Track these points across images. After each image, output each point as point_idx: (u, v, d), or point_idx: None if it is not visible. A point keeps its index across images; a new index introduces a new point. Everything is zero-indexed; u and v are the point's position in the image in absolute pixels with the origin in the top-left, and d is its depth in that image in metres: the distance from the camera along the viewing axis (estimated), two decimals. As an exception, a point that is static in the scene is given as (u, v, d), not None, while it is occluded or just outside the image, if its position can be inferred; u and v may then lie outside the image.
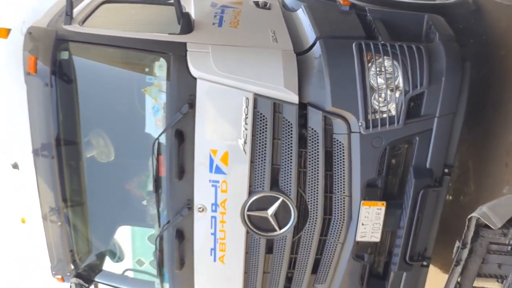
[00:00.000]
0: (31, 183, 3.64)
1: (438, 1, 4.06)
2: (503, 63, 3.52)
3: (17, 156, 3.72)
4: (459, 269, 1.84)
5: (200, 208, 3.35)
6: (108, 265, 4.22)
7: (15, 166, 3.78)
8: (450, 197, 3.83)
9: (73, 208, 3.75)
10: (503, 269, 1.97)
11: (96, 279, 4.08)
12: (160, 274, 3.76)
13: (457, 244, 1.85)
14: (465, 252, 1.83)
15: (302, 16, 3.62)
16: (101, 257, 4.13)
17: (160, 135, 3.23)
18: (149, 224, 3.77)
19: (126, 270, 4.17)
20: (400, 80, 3.08)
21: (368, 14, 3.57)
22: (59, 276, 3.93)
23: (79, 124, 3.55)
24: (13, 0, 4.19)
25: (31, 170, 3.56)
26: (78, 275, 3.95)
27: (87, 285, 3.98)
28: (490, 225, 1.65)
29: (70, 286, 3.98)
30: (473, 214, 1.76)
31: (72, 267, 3.90)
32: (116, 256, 4.29)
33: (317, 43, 3.19)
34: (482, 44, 3.67)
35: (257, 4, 4.02)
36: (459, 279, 1.92)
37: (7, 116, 3.69)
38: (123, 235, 4.32)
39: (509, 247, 1.58)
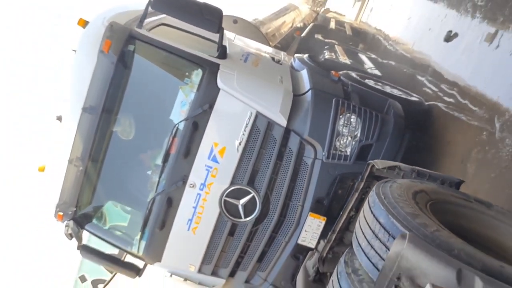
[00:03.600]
0: (67, 135, 4.67)
1: (402, 96, 5.42)
2: (434, 143, 4.84)
3: (63, 111, 4.78)
4: (356, 195, 2.88)
5: (191, 184, 4.41)
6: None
7: (59, 118, 4.84)
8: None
9: (93, 162, 4.74)
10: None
11: (86, 227, 4.99)
12: (142, 232, 4.72)
13: (359, 180, 2.94)
14: (361, 184, 2.89)
15: (304, 74, 4.93)
16: (95, 211, 5.06)
17: (181, 121, 4.35)
18: (147, 191, 4.77)
19: (112, 226, 5.11)
20: (358, 132, 4.32)
21: (349, 87, 4.88)
22: (61, 213, 4.82)
23: (121, 102, 4.64)
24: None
25: (72, 123, 4.60)
26: (74, 219, 4.88)
27: (79, 229, 4.88)
28: (376, 167, 2.76)
29: (65, 226, 4.89)
30: (370, 161, 2.87)
31: (74, 209, 4.83)
32: (102, 220, 5.22)
33: (309, 91, 4.47)
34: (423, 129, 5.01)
35: (273, 58, 5.36)
36: (353, 209, 2.96)
37: (68, 82, 4.76)
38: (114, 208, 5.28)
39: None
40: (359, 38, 11.92)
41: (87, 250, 5.00)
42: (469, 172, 3.89)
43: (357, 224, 2.19)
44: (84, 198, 4.89)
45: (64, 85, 4.81)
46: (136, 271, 5.05)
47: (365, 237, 2.04)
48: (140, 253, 4.81)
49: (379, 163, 2.77)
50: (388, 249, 1.88)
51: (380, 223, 1.95)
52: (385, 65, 8.04)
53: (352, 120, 4.35)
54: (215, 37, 4.75)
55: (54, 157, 4.92)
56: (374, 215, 2.01)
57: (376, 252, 1.94)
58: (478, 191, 3.54)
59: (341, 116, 4.34)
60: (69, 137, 4.60)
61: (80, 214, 4.92)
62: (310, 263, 3.31)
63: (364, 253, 2.02)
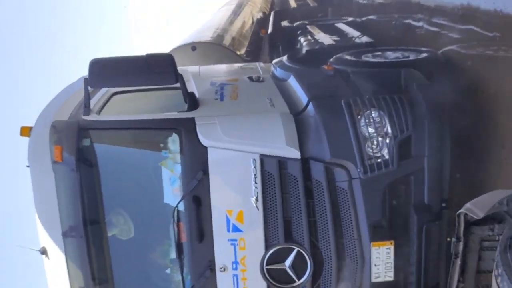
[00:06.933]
0: (59, 267, 3.88)
1: (412, 57, 4.52)
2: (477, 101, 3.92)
3: (45, 242, 3.97)
4: (458, 261, 2.08)
5: (221, 268, 3.58)
6: None
7: (43, 251, 4.02)
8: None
9: (101, 286, 3.93)
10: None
11: None
12: None
13: (453, 239, 2.11)
14: (460, 245, 2.07)
15: (294, 83, 4.07)
16: None
17: (179, 203, 3.54)
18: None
19: None
20: (388, 127, 3.46)
21: (351, 76, 4.01)
22: None
23: (102, 204, 3.84)
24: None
25: (59, 253, 3.81)
26: None
27: None
28: (474, 216, 1.92)
29: None
30: (460, 210, 2.04)
31: None
32: None
33: (310, 104, 3.60)
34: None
35: (251, 78, 4.50)
36: (461, 278, 2.15)
37: (36, 206, 3.96)
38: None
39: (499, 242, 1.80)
40: (325, 4, 11.01)
41: None
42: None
43: None
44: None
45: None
46: None
47: None
48: None
49: (474, 208, 1.89)
50: None
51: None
52: (367, 24, 7.11)
53: (373, 115, 3.49)
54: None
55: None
56: None
57: None
58: None
59: (359, 117, 3.48)
60: (62, 269, 3.82)
61: None
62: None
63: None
